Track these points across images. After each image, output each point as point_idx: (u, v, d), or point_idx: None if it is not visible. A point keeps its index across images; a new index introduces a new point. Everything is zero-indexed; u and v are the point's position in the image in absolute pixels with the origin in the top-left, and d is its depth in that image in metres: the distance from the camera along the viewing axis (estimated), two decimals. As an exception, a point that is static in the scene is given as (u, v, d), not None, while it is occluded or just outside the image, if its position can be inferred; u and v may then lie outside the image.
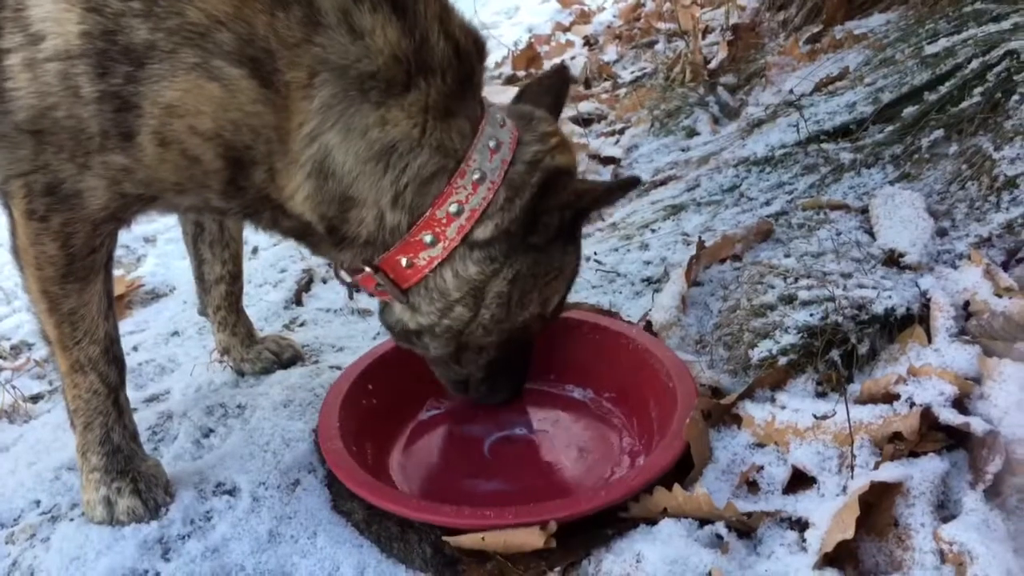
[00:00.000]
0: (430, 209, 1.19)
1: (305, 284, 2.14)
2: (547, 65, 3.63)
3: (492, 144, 1.20)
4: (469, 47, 1.20)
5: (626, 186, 1.32)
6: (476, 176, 1.19)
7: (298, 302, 2.07)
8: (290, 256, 2.31)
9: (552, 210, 1.23)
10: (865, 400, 1.29)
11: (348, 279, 1.36)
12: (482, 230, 1.22)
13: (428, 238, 1.21)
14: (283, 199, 1.20)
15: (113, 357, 1.34)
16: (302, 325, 1.97)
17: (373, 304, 2.02)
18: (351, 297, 2.05)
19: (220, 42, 1.08)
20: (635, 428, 1.47)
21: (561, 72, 1.46)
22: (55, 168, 1.18)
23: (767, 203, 1.89)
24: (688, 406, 1.34)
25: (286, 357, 1.72)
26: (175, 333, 2.05)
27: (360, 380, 1.51)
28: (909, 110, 1.85)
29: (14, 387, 1.93)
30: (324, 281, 2.15)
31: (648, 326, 1.61)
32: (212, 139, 1.13)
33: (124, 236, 2.71)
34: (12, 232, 1.28)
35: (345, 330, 1.90)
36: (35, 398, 1.95)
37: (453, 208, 1.20)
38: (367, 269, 1.27)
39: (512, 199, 1.22)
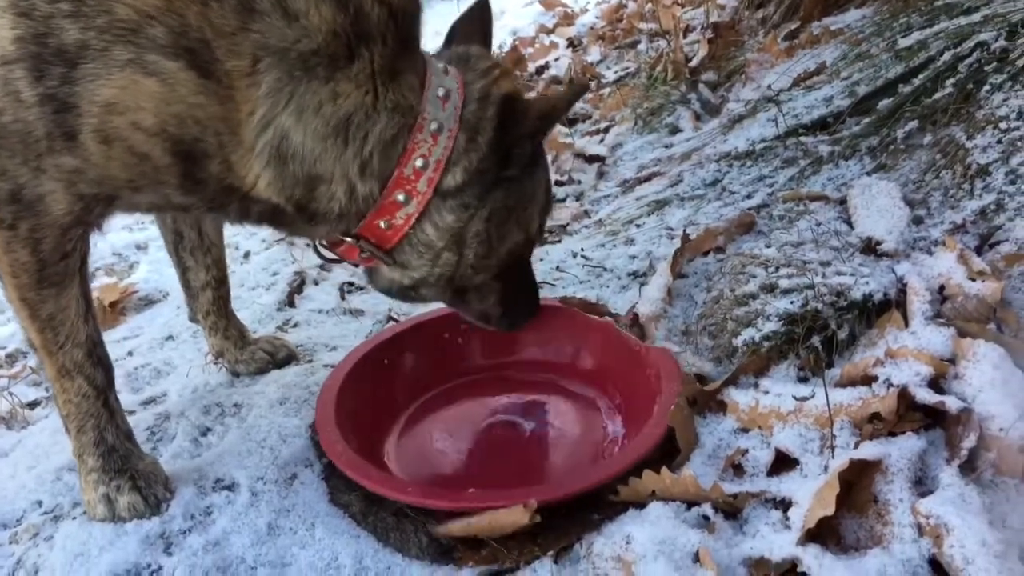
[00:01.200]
0: (396, 169, 1.22)
1: (297, 286, 2.17)
2: (532, 67, 3.67)
3: (441, 93, 1.24)
4: (403, 4, 1.21)
5: (579, 92, 1.38)
6: (434, 127, 1.23)
7: (291, 304, 2.10)
8: (282, 259, 2.34)
9: (523, 139, 1.27)
10: (845, 383, 1.33)
11: (330, 254, 1.38)
12: (452, 177, 1.26)
13: (401, 197, 1.25)
14: (246, 188, 1.21)
15: (98, 359, 1.35)
16: (295, 326, 2.00)
17: (365, 304, 2.07)
18: (343, 298, 2.09)
19: (152, 37, 1.09)
20: (622, 413, 1.51)
21: (482, 5, 1.49)
22: (13, 173, 1.19)
23: (748, 196, 1.93)
24: (670, 391, 1.38)
25: (280, 357, 1.75)
26: (169, 337, 2.08)
27: (356, 370, 1.55)
28: (884, 102, 1.90)
29: (11, 394, 1.95)
30: (316, 283, 2.18)
31: (635, 318, 1.65)
32: (157, 135, 1.14)
33: (116, 243, 2.75)
34: None
35: (338, 330, 1.93)
36: (32, 404, 1.98)
37: (419, 163, 1.23)
38: (347, 240, 1.29)
39: (474, 139, 1.26)
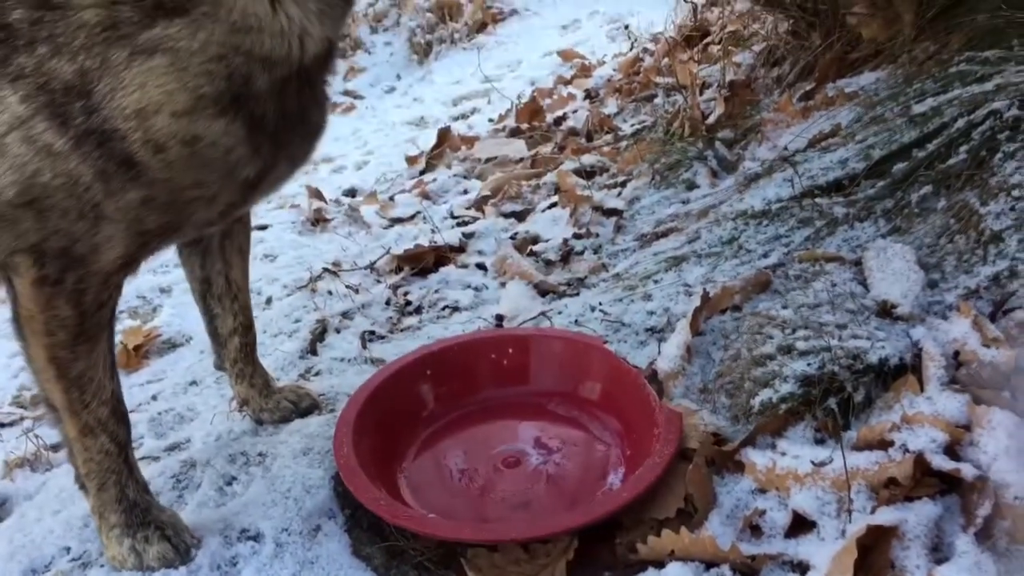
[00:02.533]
0: None
1: (319, 334, 2.21)
2: (550, 118, 3.74)
3: None
4: None
5: None
6: None
7: (313, 352, 2.13)
8: (303, 306, 2.39)
9: None
10: (861, 447, 1.36)
11: None
12: None
13: None
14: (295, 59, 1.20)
15: (121, 415, 1.36)
16: (317, 374, 2.03)
17: (386, 353, 2.10)
18: (364, 347, 2.12)
19: (126, 19, 1.08)
20: (626, 445, 1.57)
21: None
22: (67, 231, 1.16)
23: (765, 255, 1.96)
24: (663, 455, 1.41)
25: (304, 406, 1.79)
26: (193, 383, 2.11)
27: (366, 406, 1.62)
28: (899, 166, 1.94)
29: (36, 436, 1.98)
30: (338, 331, 2.22)
31: (653, 374, 1.68)
32: (195, 108, 1.12)
33: (140, 286, 2.80)
34: (14, 301, 1.27)
35: (359, 379, 1.95)
36: (56, 447, 2.00)
37: None
38: None
39: None
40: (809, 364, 1.49)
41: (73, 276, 1.20)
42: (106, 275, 1.23)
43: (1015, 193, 1.69)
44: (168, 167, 1.14)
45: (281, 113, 1.22)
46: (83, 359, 1.27)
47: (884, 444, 1.32)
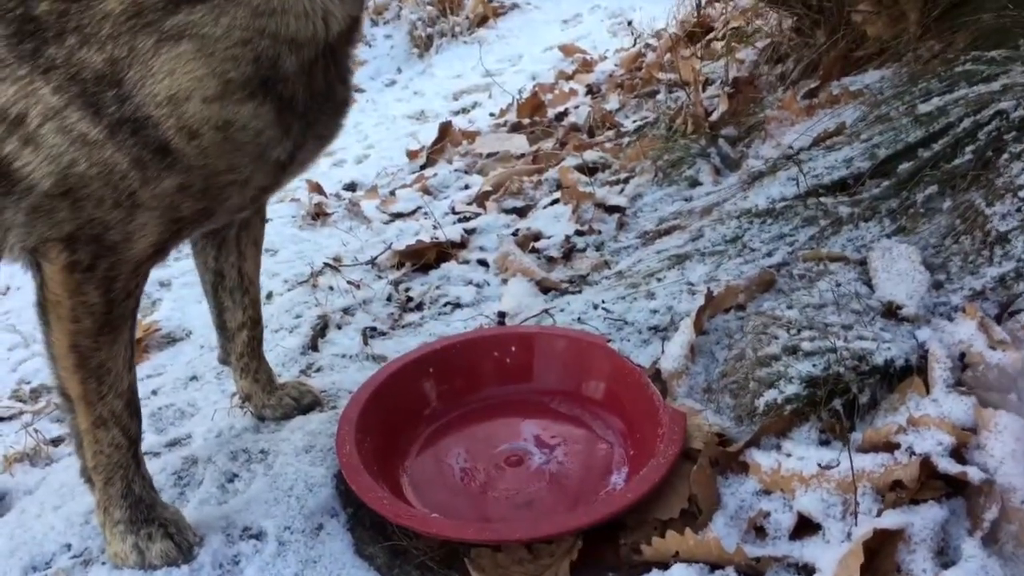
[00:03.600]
0: None
1: (320, 330, 2.20)
2: (551, 113, 3.73)
3: None
4: None
5: None
6: None
7: (314, 347, 2.13)
8: (304, 302, 2.37)
9: None
10: (867, 448, 1.35)
11: None
12: None
13: None
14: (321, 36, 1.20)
15: (134, 409, 1.37)
16: (319, 371, 2.02)
17: (387, 349, 2.09)
18: (366, 343, 2.12)
19: (151, 5, 1.09)
20: (630, 445, 1.57)
21: None
22: (102, 219, 1.17)
23: (769, 254, 1.96)
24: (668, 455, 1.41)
25: (305, 403, 1.78)
26: (193, 377, 2.11)
27: (369, 403, 1.62)
28: (904, 166, 1.93)
29: (36, 431, 1.98)
30: (339, 327, 2.21)
31: (657, 374, 1.67)
32: (225, 93, 1.13)
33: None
34: (40, 287, 1.26)
35: (361, 375, 1.95)
36: (56, 441, 2.00)
37: None
38: None
39: None
40: (814, 365, 1.49)
41: (105, 263, 1.21)
42: (137, 263, 1.24)
43: (1021, 194, 1.68)
44: (203, 153, 1.15)
45: (310, 93, 1.23)
46: (105, 349, 1.27)
47: (890, 446, 1.31)
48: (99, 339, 1.27)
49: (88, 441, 1.35)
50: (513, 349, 1.76)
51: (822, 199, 2.01)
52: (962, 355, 1.45)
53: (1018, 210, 1.67)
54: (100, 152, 1.13)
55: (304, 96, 1.21)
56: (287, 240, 2.87)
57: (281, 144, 1.22)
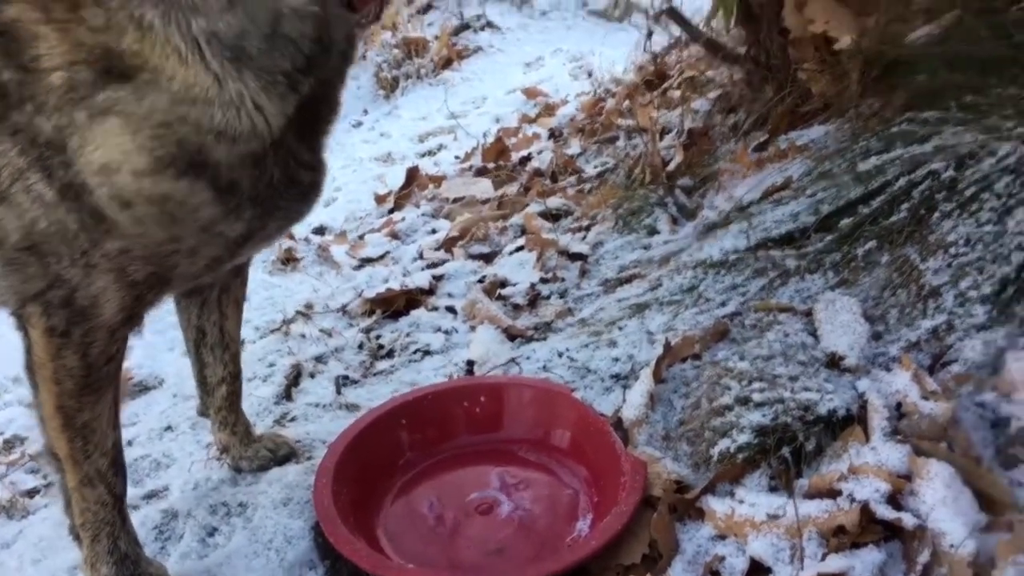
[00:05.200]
0: None
1: (294, 379, 2.26)
2: (515, 157, 3.84)
3: None
4: None
5: None
6: None
7: (288, 397, 2.19)
8: (277, 350, 2.44)
9: None
10: (813, 495, 1.46)
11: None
12: None
13: None
14: None
15: (119, 467, 1.43)
16: (293, 420, 2.08)
17: (360, 398, 2.16)
18: (339, 392, 2.18)
19: (82, 81, 1.15)
20: (594, 492, 1.66)
21: None
22: (64, 277, 1.25)
23: (723, 304, 2.07)
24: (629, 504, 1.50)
25: (281, 454, 1.84)
26: (168, 428, 2.15)
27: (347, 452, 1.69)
28: (846, 221, 2.06)
29: (12, 483, 2.01)
30: (312, 375, 2.28)
31: (619, 422, 1.77)
32: (156, 168, 1.18)
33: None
34: (28, 351, 1.35)
35: (335, 425, 2.02)
36: (31, 492, 2.03)
37: None
38: None
39: None
40: (764, 415, 1.59)
41: (79, 329, 1.29)
42: (110, 329, 1.31)
43: (951, 251, 1.82)
44: (137, 222, 1.22)
45: (264, 182, 1.28)
46: (88, 410, 1.34)
47: (833, 493, 1.42)
48: (82, 400, 1.34)
49: (76, 499, 1.41)
50: (482, 399, 1.84)
51: (771, 252, 2.13)
52: (898, 405, 1.56)
53: (949, 265, 1.80)
54: (55, 212, 1.21)
55: (253, 184, 1.25)
56: (258, 286, 2.93)
57: (231, 223, 1.27)
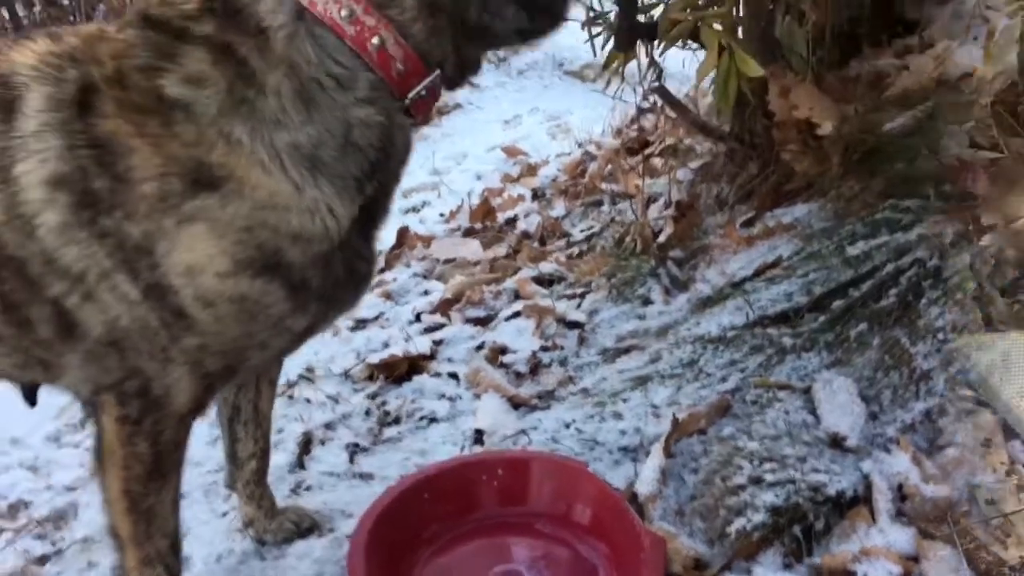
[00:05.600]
0: None
1: (305, 446, 2.30)
2: (501, 218, 3.95)
3: None
4: None
5: None
6: None
7: (301, 465, 2.23)
8: (284, 415, 2.47)
9: None
10: (826, 574, 1.56)
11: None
12: None
13: None
14: None
15: (178, 549, 1.49)
16: (308, 489, 2.12)
17: (373, 467, 2.21)
18: (352, 461, 2.23)
19: (172, 191, 1.24)
20: (614, 568, 1.71)
21: None
22: (142, 369, 1.33)
23: (723, 379, 2.18)
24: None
25: (304, 527, 1.89)
26: (181, 496, 2.17)
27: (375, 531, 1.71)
28: (837, 303, 2.20)
29: (26, 551, 2.01)
30: (323, 443, 2.32)
31: (633, 496, 1.85)
32: (235, 270, 1.26)
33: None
34: (98, 436, 1.42)
35: (351, 495, 2.07)
36: (42, 559, 2.03)
37: None
38: None
39: None
40: (777, 495, 1.70)
41: (151, 418, 1.36)
42: (179, 417, 1.38)
43: (940, 336, 1.96)
44: (218, 320, 1.30)
45: (330, 280, 1.36)
46: (153, 494, 1.41)
47: (848, 574, 1.52)
48: (148, 485, 1.41)
49: (134, 578, 1.45)
50: (502, 473, 1.91)
51: (768, 329, 2.26)
52: (900, 486, 1.68)
53: (938, 351, 1.94)
54: (137, 310, 1.29)
55: (321, 282, 1.34)
56: (256, 347, 2.96)
57: (295, 317, 1.35)
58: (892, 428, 1.86)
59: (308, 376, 2.67)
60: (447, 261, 3.52)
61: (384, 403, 2.51)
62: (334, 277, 1.36)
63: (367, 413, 2.45)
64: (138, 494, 1.40)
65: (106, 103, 1.27)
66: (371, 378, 2.66)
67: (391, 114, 1.35)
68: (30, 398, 1.66)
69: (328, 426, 2.39)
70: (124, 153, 1.24)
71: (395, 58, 1.31)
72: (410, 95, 1.35)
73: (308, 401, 2.53)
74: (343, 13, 1.27)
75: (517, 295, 3.05)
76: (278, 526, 1.86)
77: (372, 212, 1.43)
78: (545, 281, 3.11)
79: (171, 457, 1.40)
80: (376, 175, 1.36)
